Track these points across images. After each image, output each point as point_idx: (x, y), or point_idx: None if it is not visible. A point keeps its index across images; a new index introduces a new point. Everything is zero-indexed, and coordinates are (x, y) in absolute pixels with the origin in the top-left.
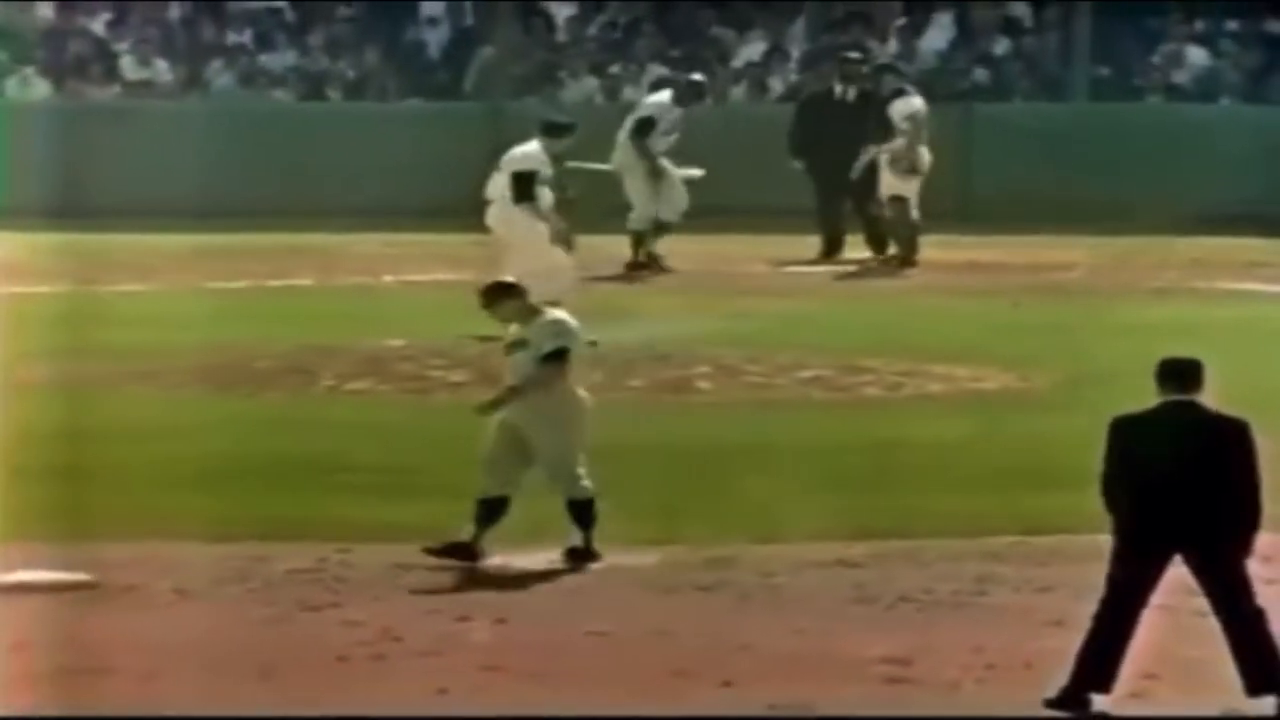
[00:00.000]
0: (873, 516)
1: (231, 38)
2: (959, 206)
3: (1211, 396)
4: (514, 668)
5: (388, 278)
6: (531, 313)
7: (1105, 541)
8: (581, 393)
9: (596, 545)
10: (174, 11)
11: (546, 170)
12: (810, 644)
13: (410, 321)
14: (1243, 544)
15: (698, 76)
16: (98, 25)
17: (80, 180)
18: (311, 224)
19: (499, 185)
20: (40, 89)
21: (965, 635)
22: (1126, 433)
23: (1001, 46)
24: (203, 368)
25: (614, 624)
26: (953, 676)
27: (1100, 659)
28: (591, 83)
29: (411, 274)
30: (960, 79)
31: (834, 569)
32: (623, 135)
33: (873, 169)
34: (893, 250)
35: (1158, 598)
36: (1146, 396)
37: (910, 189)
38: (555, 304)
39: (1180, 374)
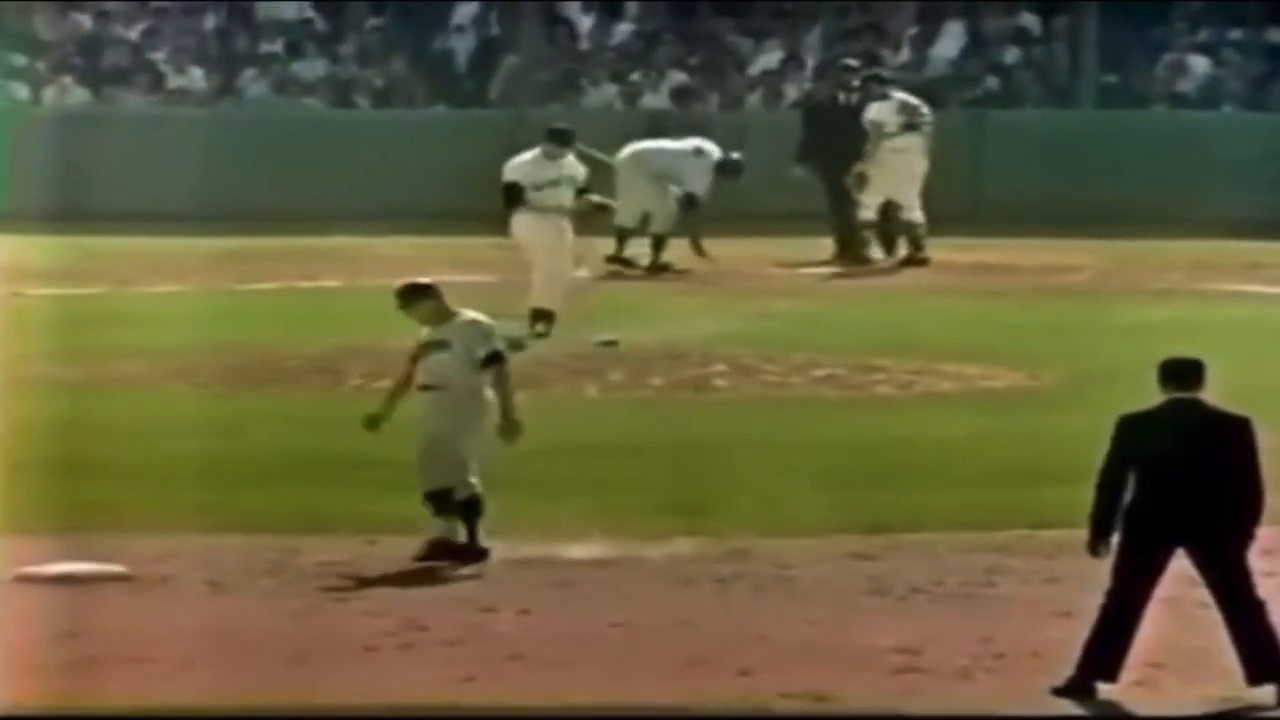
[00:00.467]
0: (885, 510)
1: (264, 47)
2: (970, 210)
3: (1213, 394)
4: (537, 657)
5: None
6: (447, 314)
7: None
8: (489, 395)
9: (483, 540)
10: (209, 21)
11: (548, 175)
12: (824, 634)
13: None
14: (1245, 537)
15: (737, 155)
16: (134, 34)
17: (116, 185)
18: (340, 227)
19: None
20: (78, 96)
21: (975, 626)
22: (1132, 429)
23: (1012, 55)
24: (235, 367)
25: (634, 615)
26: (963, 666)
27: (1107, 649)
28: (611, 89)
29: (437, 276)
30: (972, 87)
31: (847, 561)
32: (645, 167)
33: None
34: (902, 250)
35: (1162, 589)
36: (1150, 395)
37: (866, 194)
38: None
39: (1182, 373)
